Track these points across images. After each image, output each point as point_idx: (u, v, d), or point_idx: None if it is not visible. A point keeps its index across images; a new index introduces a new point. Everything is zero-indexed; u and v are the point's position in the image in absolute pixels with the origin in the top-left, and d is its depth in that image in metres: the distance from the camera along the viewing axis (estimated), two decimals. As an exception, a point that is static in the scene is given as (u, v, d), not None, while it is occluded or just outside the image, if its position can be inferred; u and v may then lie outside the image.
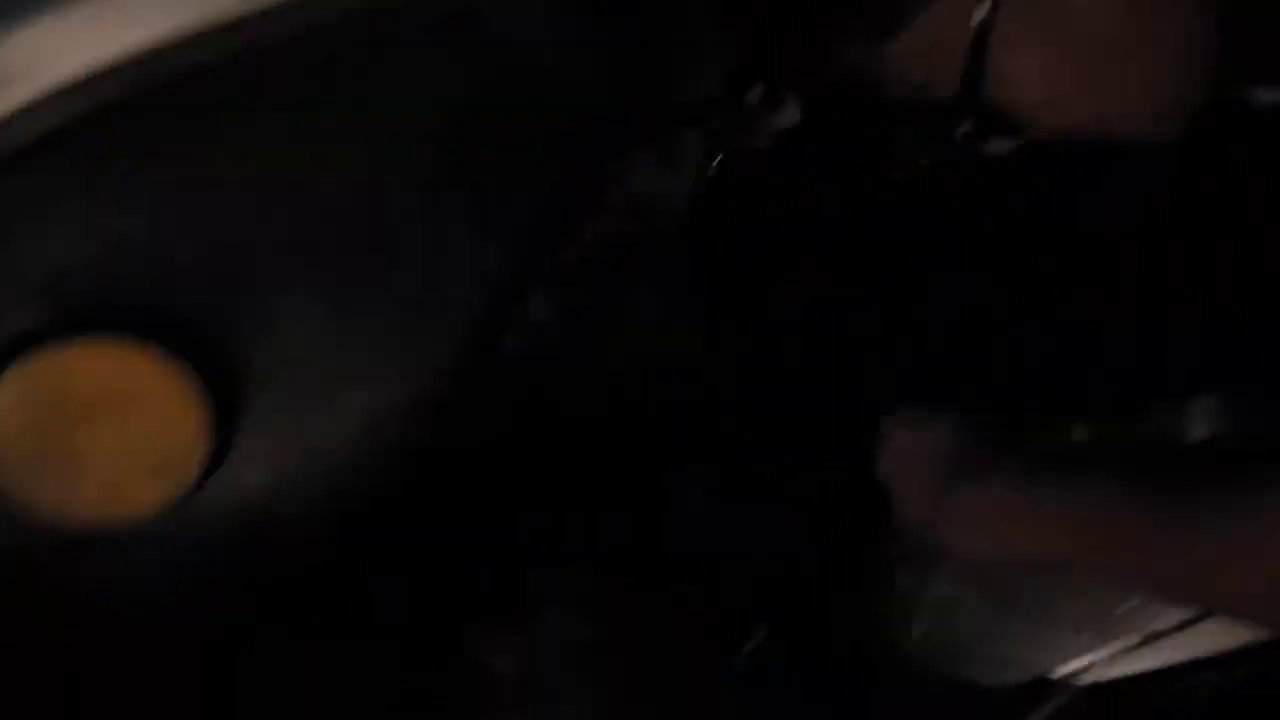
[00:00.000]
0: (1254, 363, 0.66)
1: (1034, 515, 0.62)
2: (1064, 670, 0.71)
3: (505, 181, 0.49)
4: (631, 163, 0.79)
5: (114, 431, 0.44)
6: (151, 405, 0.44)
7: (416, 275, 0.48)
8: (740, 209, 0.89)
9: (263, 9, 0.40)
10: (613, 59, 0.51)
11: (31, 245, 0.43)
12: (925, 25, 0.60)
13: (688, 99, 0.82)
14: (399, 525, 0.60)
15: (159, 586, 0.49)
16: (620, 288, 0.87)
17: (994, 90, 0.60)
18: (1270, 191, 0.68)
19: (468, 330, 0.50)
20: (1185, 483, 0.59)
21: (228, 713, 0.54)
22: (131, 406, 0.44)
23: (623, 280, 0.87)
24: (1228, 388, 0.69)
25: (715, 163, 0.87)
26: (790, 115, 0.87)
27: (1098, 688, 0.70)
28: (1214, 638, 0.69)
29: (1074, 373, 0.74)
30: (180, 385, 0.44)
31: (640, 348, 0.88)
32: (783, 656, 0.79)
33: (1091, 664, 0.71)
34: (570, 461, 0.84)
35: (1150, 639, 0.70)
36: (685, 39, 0.59)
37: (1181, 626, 0.69)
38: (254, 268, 0.45)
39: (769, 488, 0.84)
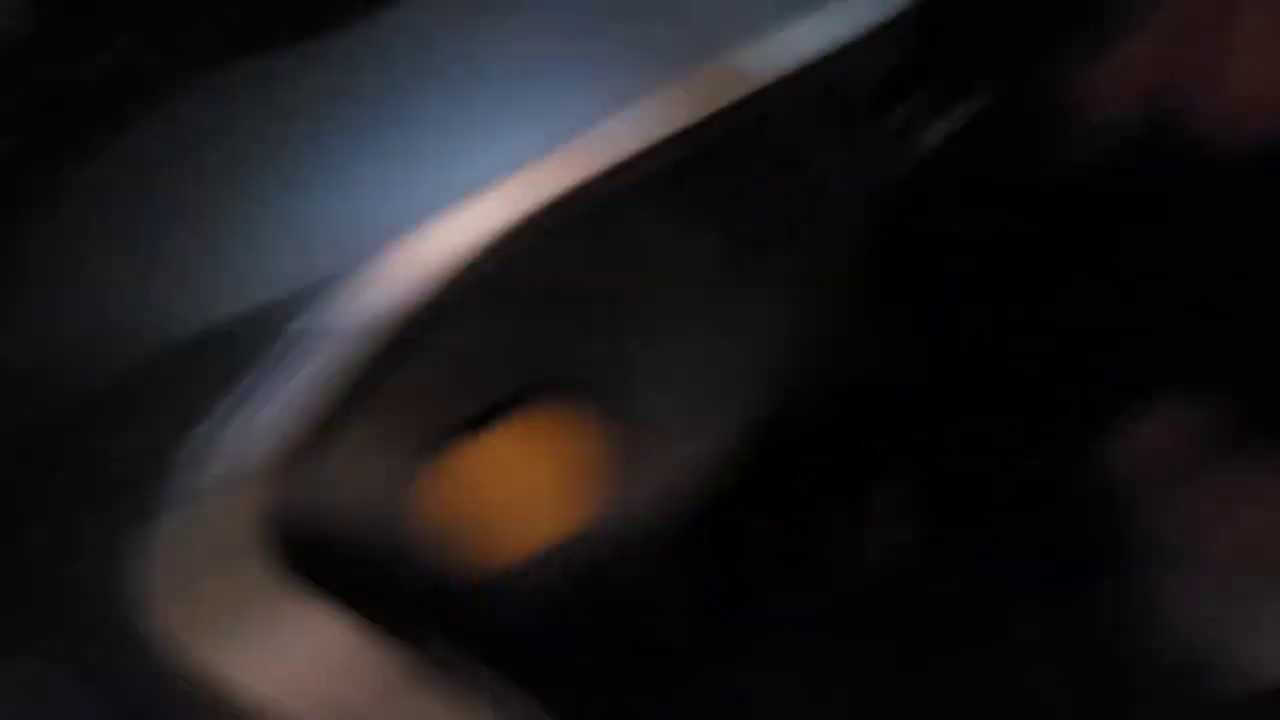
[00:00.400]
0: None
1: None
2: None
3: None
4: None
5: (534, 476, 0.55)
6: (558, 452, 0.55)
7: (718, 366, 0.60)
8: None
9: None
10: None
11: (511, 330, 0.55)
12: (1159, 28, 0.62)
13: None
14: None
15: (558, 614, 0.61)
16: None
17: (1231, 92, 0.63)
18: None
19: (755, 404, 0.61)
20: None
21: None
22: (541, 454, 0.55)
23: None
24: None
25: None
26: (935, 135, 0.88)
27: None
28: None
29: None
30: (583, 431, 0.56)
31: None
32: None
33: None
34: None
35: None
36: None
37: None
38: (622, 331, 0.57)
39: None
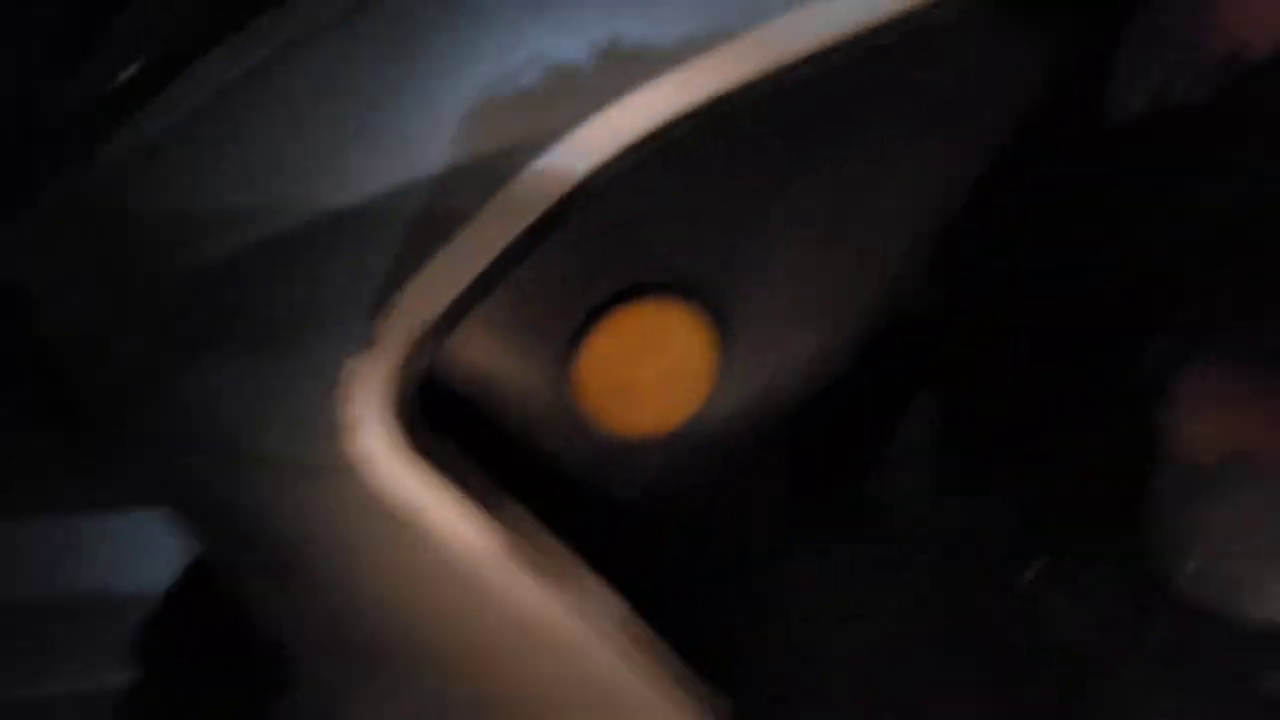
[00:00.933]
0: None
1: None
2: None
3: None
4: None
5: (657, 364, 0.59)
6: (679, 344, 0.59)
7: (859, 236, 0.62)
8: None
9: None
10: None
11: (614, 227, 0.57)
12: None
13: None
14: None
15: (671, 485, 0.64)
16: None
17: None
18: None
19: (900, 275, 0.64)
20: None
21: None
22: (666, 344, 0.59)
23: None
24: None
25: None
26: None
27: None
28: None
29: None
30: (700, 327, 0.59)
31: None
32: (1065, 583, 0.85)
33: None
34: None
35: None
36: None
37: None
38: (738, 232, 0.60)
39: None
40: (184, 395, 0.54)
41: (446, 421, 0.56)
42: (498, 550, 0.55)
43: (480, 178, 0.51)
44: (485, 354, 0.57)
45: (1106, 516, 0.84)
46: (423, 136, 0.51)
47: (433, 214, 0.51)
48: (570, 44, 0.52)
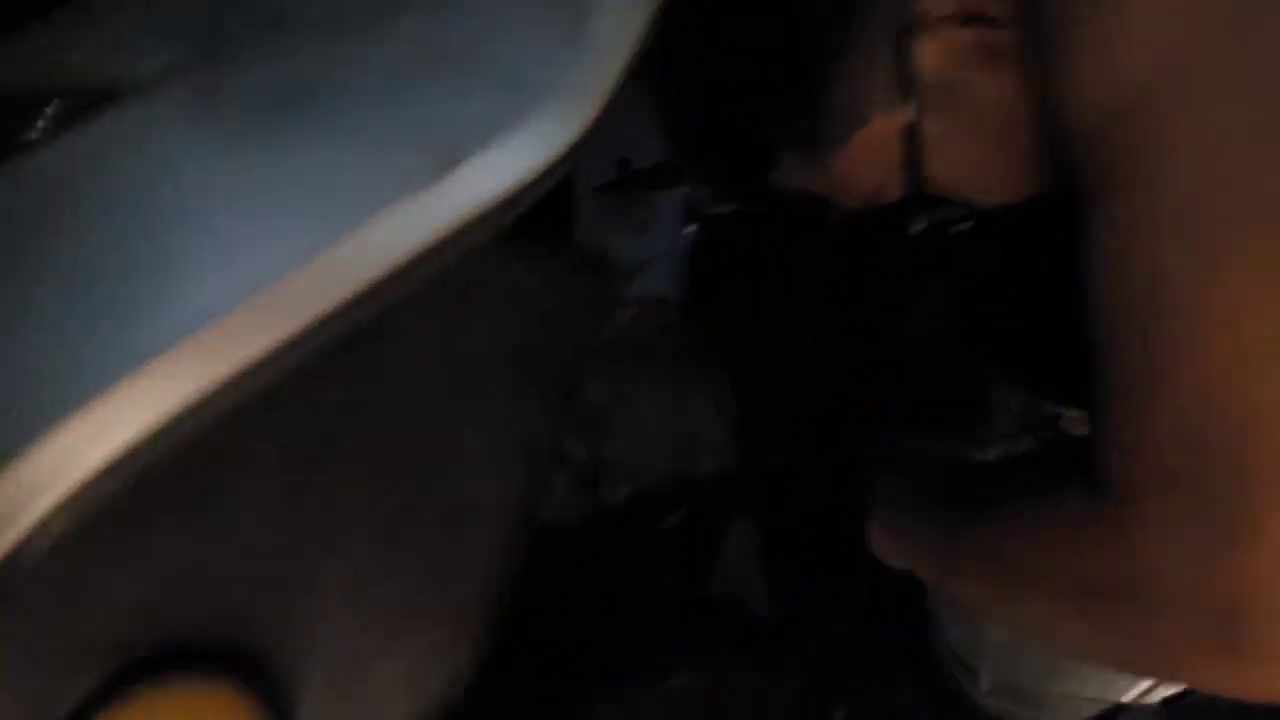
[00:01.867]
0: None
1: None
2: (1134, 694, 0.75)
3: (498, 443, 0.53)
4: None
5: None
6: None
7: (430, 550, 0.52)
8: (726, 267, 0.92)
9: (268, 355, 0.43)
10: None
11: (85, 613, 0.46)
12: (863, 139, 0.64)
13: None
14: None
15: None
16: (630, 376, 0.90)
17: (934, 184, 0.65)
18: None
19: (484, 580, 0.54)
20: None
21: None
22: None
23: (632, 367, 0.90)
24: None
25: (694, 228, 0.91)
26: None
27: (1167, 702, 0.74)
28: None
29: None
30: (240, 709, 0.48)
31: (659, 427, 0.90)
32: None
33: (1156, 682, 0.75)
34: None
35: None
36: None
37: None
38: (283, 579, 0.49)
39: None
40: None
41: None
42: None
43: None
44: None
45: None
46: None
47: None
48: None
